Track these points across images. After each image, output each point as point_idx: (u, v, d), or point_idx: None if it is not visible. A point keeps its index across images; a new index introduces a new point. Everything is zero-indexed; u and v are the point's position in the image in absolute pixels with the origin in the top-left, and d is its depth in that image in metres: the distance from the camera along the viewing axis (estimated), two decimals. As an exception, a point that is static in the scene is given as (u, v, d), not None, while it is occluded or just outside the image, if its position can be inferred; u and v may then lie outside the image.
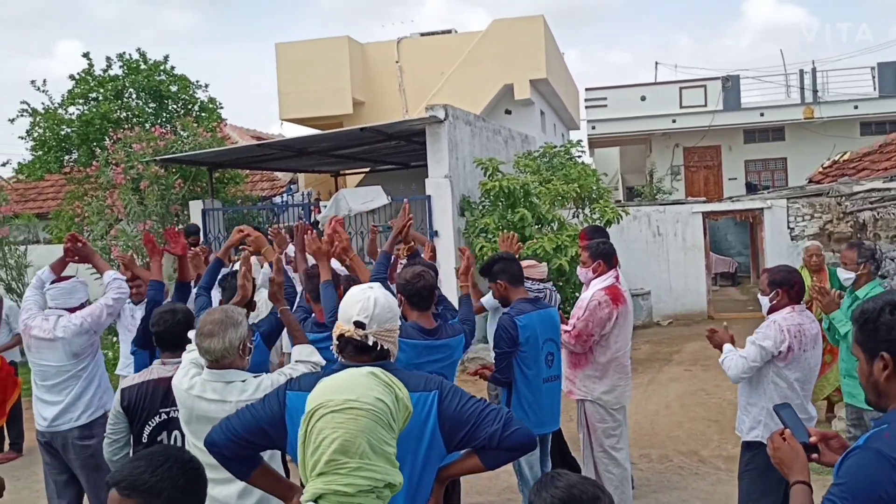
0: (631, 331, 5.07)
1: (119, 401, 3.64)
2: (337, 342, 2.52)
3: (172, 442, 3.57)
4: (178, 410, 3.41)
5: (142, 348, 4.68)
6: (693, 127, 23.24)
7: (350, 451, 2.09)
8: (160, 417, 3.59)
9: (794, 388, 4.19)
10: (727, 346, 4.33)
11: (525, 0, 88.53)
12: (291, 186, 17.00)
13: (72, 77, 16.09)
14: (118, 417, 3.64)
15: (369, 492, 2.11)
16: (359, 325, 2.46)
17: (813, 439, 2.29)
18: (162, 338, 3.72)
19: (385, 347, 2.50)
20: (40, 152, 16.17)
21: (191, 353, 3.34)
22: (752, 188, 22.69)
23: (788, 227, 13.77)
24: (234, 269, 5.32)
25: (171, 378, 3.40)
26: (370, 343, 2.47)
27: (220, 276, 4.89)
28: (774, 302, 4.27)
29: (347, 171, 16.99)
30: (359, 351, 2.49)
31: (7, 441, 7.82)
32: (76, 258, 5.05)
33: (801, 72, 22.88)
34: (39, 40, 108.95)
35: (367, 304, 2.48)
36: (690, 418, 7.87)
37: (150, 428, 3.59)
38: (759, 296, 4.47)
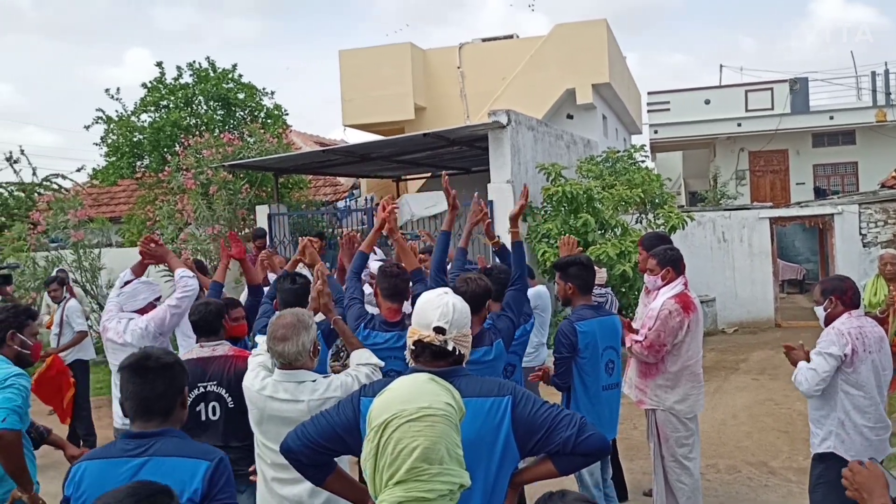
0: (702, 338, 5.00)
1: None
2: (413, 348, 2.55)
3: (210, 411, 4.04)
4: (214, 384, 4.01)
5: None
6: (759, 130, 22.73)
7: (431, 458, 2.10)
8: (198, 391, 4.06)
9: (866, 394, 4.11)
10: (801, 363, 4.26)
11: (584, 3, 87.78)
12: (354, 191, 17.22)
13: (144, 85, 16.55)
14: None
15: (445, 495, 2.13)
16: (439, 330, 2.48)
17: None
18: (198, 325, 4.32)
19: (461, 352, 2.52)
20: (113, 158, 16.67)
21: (258, 357, 3.45)
22: (820, 193, 22.09)
23: (860, 234, 13.37)
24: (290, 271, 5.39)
25: (208, 358, 4.11)
26: (449, 348, 2.49)
27: (277, 278, 4.99)
28: (829, 310, 4.27)
29: (409, 177, 17.11)
30: (436, 356, 2.51)
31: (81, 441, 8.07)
32: (152, 259, 5.22)
33: (874, 73, 22.20)
34: (109, 49, 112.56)
35: (446, 309, 2.51)
36: (759, 429, 7.72)
37: (190, 400, 4.00)
38: (815, 308, 4.43)
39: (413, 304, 4.25)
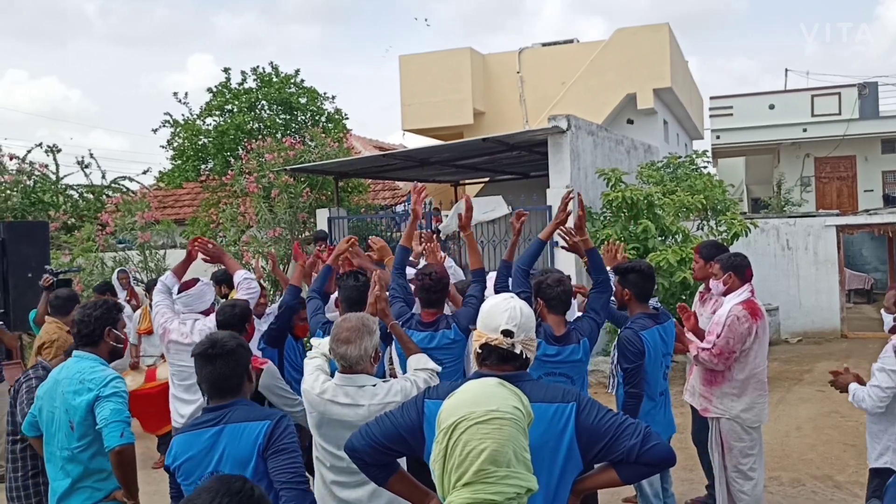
0: (768, 346, 4.92)
1: None
2: (479, 351, 2.55)
3: None
4: None
5: (271, 346, 4.97)
6: (826, 136, 22.18)
7: (499, 460, 2.11)
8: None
9: None
10: (852, 385, 4.20)
11: (643, 8, 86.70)
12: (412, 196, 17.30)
13: (209, 90, 16.93)
14: None
15: (513, 499, 2.14)
16: (507, 333, 2.48)
17: None
18: (223, 326, 4.36)
19: (527, 356, 2.52)
20: (179, 161, 17.07)
21: (314, 360, 3.47)
22: (890, 201, 21.44)
23: (933, 243, 12.94)
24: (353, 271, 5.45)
25: None
26: (517, 351, 2.49)
27: (337, 276, 5.01)
28: None
29: (467, 181, 17.14)
30: (502, 359, 2.51)
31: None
32: (208, 258, 5.31)
33: (948, 77, 21.48)
34: (173, 55, 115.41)
35: (514, 312, 2.51)
36: (824, 441, 7.52)
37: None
38: (882, 312, 4.35)
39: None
